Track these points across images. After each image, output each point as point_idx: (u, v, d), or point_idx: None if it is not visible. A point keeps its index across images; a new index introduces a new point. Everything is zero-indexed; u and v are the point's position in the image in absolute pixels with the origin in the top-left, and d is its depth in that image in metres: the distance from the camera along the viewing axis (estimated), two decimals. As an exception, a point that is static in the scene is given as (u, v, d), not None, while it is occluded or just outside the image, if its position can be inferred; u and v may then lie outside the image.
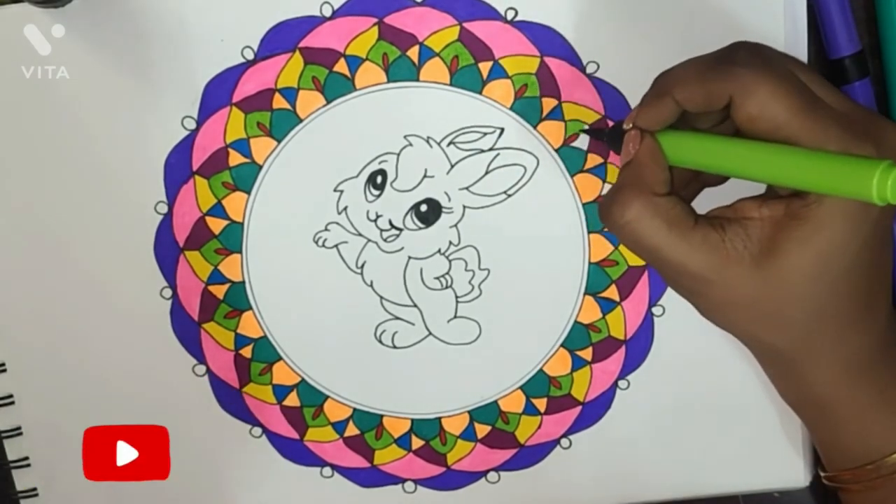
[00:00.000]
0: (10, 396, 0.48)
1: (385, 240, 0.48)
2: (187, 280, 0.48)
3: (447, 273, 0.48)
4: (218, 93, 0.46)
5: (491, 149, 0.47)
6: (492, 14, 0.46)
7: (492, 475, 0.50)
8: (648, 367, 0.49)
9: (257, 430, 0.49)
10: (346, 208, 0.47)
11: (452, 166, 0.47)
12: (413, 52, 0.46)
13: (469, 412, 0.49)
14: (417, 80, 0.46)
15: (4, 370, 0.48)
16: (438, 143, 0.47)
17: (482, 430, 0.49)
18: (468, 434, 0.49)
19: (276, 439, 0.49)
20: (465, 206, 0.47)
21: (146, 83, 0.46)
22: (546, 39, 0.46)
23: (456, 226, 0.48)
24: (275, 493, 0.50)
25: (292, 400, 0.49)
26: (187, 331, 0.48)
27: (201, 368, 0.49)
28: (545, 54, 0.46)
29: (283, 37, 0.46)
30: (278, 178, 0.47)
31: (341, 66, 0.46)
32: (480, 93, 0.46)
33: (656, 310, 0.48)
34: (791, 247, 0.35)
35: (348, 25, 0.46)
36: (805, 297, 0.36)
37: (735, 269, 0.36)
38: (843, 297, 0.37)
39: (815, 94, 0.35)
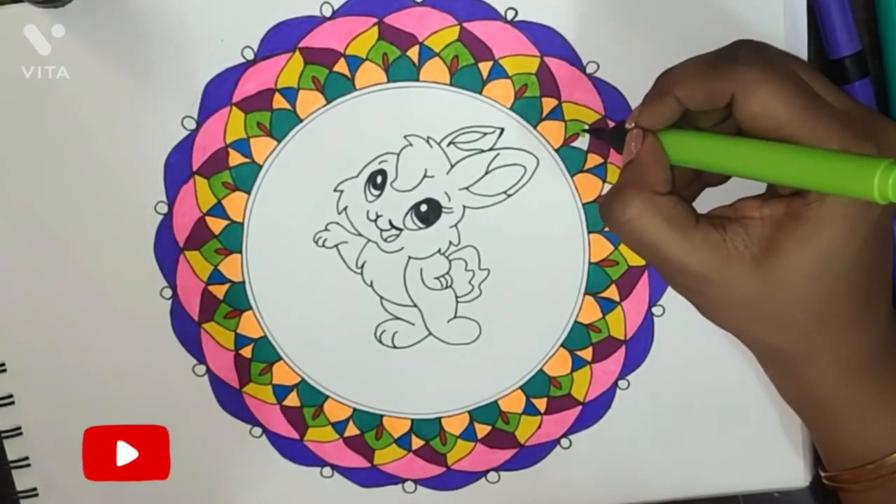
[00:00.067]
0: (10, 396, 0.48)
1: (385, 240, 0.48)
2: (187, 280, 0.48)
3: (447, 273, 0.48)
4: (218, 93, 0.46)
5: (491, 149, 0.47)
6: (492, 14, 0.46)
7: (492, 475, 0.50)
8: (648, 367, 0.49)
9: (257, 430, 0.49)
10: (346, 208, 0.47)
11: (452, 166, 0.47)
12: (413, 52, 0.46)
13: (469, 412, 0.49)
14: (417, 80, 0.46)
15: (4, 370, 0.48)
16: (438, 143, 0.47)
17: (482, 430, 0.49)
18: (468, 434, 0.49)
19: (276, 439, 0.49)
20: (465, 206, 0.47)
21: (146, 83, 0.46)
22: (546, 39, 0.46)
23: (456, 226, 0.48)
24: (275, 493, 0.50)
25: (292, 400, 0.49)
26: (187, 331, 0.48)
27: (201, 368, 0.49)
28: (545, 54, 0.46)
29: (283, 37, 0.46)
30: (278, 178, 0.47)
31: (341, 66, 0.46)
32: (480, 93, 0.46)
33: (656, 310, 0.48)
34: (791, 246, 0.35)
35: (348, 25, 0.46)
36: (805, 296, 0.36)
37: (735, 269, 0.36)
38: (843, 297, 0.37)
39: (817, 93, 0.35)
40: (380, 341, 0.49)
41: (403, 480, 0.50)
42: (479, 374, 0.49)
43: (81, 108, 0.46)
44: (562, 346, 0.49)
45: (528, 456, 0.50)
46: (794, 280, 0.36)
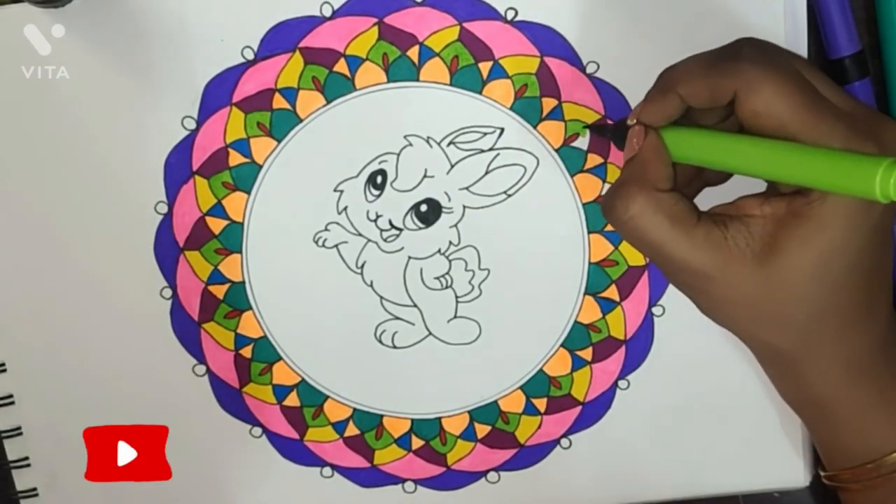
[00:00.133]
0: (10, 396, 0.48)
1: (385, 240, 0.48)
2: (187, 280, 0.48)
3: (447, 273, 0.48)
4: (218, 93, 0.46)
5: (491, 149, 0.47)
6: (492, 14, 0.46)
7: (492, 475, 0.50)
8: (648, 367, 0.49)
9: (257, 430, 0.49)
10: (346, 208, 0.47)
11: (452, 166, 0.47)
12: (413, 52, 0.46)
13: (469, 412, 0.49)
14: (417, 80, 0.46)
15: (4, 370, 0.48)
16: (438, 143, 0.47)
17: (482, 430, 0.49)
18: (468, 434, 0.49)
19: (276, 439, 0.49)
20: (465, 206, 0.47)
21: (146, 83, 0.46)
22: (546, 39, 0.46)
23: (456, 226, 0.48)
24: (275, 493, 0.50)
25: (292, 400, 0.49)
26: (187, 331, 0.48)
27: (201, 368, 0.49)
28: (545, 54, 0.46)
29: (283, 37, 0.46)
30: (278, 178, 0.47)
31: (341, 66, 0.46)
32: (480, 93, 0.46)
33: (656, 310, 0.48)
34: (793, 245, 0.35)
35: (348, 25, 0.46)
36: (806, 296, 0.36)
37: (737, 267, 0.36)
38: (843, 297, 0.37)
39: (819, 92, 0.35)
40: (380, 341, 0.49)
41: (403, 480, 0.50)
42: (479, 374, 0.49)
43: (81, 108, 0.46)
44: (562, 346, 0.49)
45: (528, 456, 0.50)
46: (794, 279, 0.36)
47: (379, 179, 0.47)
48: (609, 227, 0.47)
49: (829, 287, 0.36)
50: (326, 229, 0.48)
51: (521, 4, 0.45)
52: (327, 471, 0.50)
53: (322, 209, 0.47)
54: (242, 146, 0.47)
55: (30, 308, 0.48)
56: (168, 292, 0.48)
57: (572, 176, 0.47)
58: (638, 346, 0.49)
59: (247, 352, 0.49)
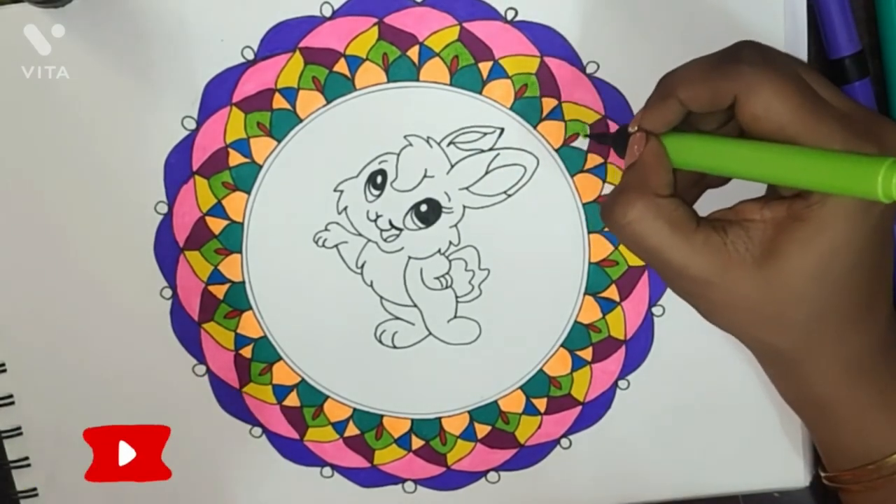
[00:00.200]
0: (10, 396, 0.48)
1: (385, 240, 0.48)
2: (187, 280, 0.48)
3: (447, 273, 0.48)
4: (218, 93, 0.46)
5: (491, 149, 0.47)
6: (492, 14, 0.46)
7: (492, 475, 0.50)
8: (648, 367, 0.49)
9: (257, 430, 0.49)
10: (346, 208, 0.47)
11: (452, 166, 0.47)
12: (413, 52, 0.46)
13: (469, 412, 0.49)
14: (417, 80, 0.46)
15: (4, 370, 0.48)
16: (438, 143, 0.47)
17: (482, 430, 0.49)
18: (468, 434, 0.49)
19: (276, 439, 0.49)
20: (465, 206, 0.47)
21: (146, 83, 0.46)
22: (546, 39, 0.46)
23: (456, 226, 0.48)
24: (275, 493, 0.50)
25: (292, 400, 0.49)
26: (187, 331, 0.48)
27: (201, 368, 0.49)
28: (545, 54, 0.46)
29: (283, 37, 0.46)
30: (278, 178, 0.47)
31: (341, 66, 0.46)
32: (480, 93, 0.46)
33: (656, 310, 0.48)
34: (793, 248, 0.35)
35: (348, 25, 0.46)
36: (806, 297, 0.36)
37: (737, 272, 0.36)
38: (844, 298, 0.37)
39: (819, 95, 0.35)
40: (380, 341, 0.49)
41: (403, 480, 0.50)
42: (479, 374, 0.49)
43: (81, 108, 0.46)
44: (562, 346, 0.49)
45: (528, 456, 0.50)
46: (795, 281, 0.36)
47: (379, 179, 0.47)
48: (609, 227, 0.47)
49: (830, 288, 0.36)
50: (326, 229, 0.48)
51: (521, 4, 0.45)
52: (327, 471, 0.50)
53: (322, 209, 0.47)
54: (242, 146, 0.47)
55: (30, 308, 0.48)
56: (168, 292, 0.48)
57: (572, 176, 0.47)
58: (638, 346, 0.49)
59: (247, 352, 0.49)
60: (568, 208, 0.48)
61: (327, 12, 0.46)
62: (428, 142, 0.47)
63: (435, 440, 0.49)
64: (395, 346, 0.49)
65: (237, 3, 0.45)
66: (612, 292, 0.48)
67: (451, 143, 0.47)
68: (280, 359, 0.49)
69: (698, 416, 0.49)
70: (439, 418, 0.49)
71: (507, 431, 0.49)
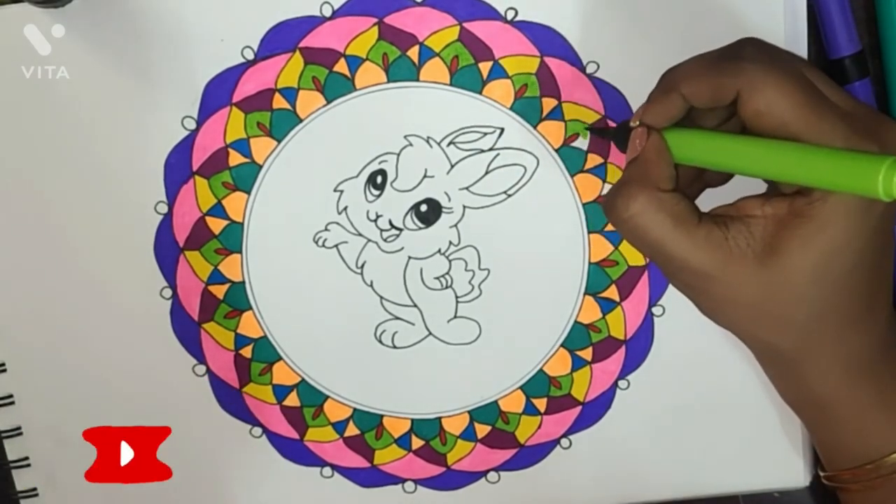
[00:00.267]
0: (10, 396, 0.48)
1: (385, 240, 0.48)
2: (187, 280, 0.48)
3: (447, 273, 0.48)
4: (218, 93, 0.46)
5: (491, 149, 0.47)
6: (492, 14, 0.46)
7: (492, 475, 0.50)
8: (648, 367, 0.49)
9: (257, 430, 0.49)
10: (346, 208, 0.47)
11: (452, 166, 0.47)
12: (413, 52, 0.46)
13: (469, 412, 0.49)
14: (417, 80, 0.46)
15: (4, 370, 0.48)
16: (438, 143, 0.47)
17: (482, 430, 0.49)
18: (468, 434, 0.49)
19: (276, 439, 0.49)
20: (465, 206, 0.47)
21: (146, 83, 0.46)
22: (546, 39, 0.46)
23: (456, 226, 0.48)
24: (275, 493, 0.50)
25: (292, 400, 0.49)
26: (187, 331, 0.48)
27: (201, 368, 0.49)
28: (545, 54, 0.46)
29: (283, 37, 0.46)
30: (278, 178, 0.47)
31: (341, 66, 0.46)
32: (480, 93, 0.46)
33: (656, 310, 0.48)
34: (794, 245, 0.35)
35: (348, 25, 0.46)
36: (807, 296, 0.36)
37: (738, 267, 0.36)
38: (844, 297, 0.37)
39: (822, 92, 0.35)
40: (380, 341, 0.49)
41: (403, 480, 0.50)
42: (479, 374, 0.49)
43: (81, 108, 0.46)
44: (562, 346, 0.49)
45: (528, 456, 0.50)
46: (795, 279, 0.36)
47: (379, 179, 0.47)
48: (609, 227, 0.47)
49: (830, 287, 0.36)
50: (326, 229, 0.48)
51: (521, 4, 0.45)
52: (327, 471, 0.50)
53: (322, 209, 0.47)
54: (242, 146, 0.47)
55: (30, 308, 0.48)
56: (168, 292, 0.48)
57: (572, 176, 0.47)
58: (638, 346, 0.49)
59: (247, 352, 0.49)
60: (568, 208, 0.48)
61: (327, 12, 0.46)
62: (428, 142, 0.47)
63: (435, 440, 0.49)
64: (395, 346, 0.49)
65: (237, 3, 0.45)
66: (612, 292, 0.48)
67: (451, 143, 0.47)
68: (280, 359, 0.49)
69: (698, 416, 0.49)
70: (439, 418, 0.49)
71: (507, 431, 0.49)
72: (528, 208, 0.47)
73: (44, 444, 0.49)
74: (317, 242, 0.48)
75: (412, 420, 0.49)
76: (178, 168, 0.47)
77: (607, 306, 0.48)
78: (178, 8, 0.45)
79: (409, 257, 0.48)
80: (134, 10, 0.45)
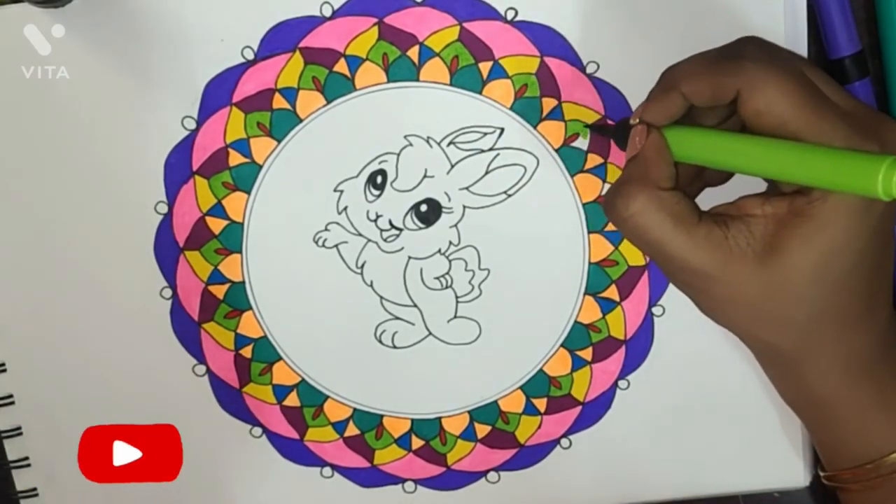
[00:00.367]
0: (10, 396, 0.48)
1: (385, 240, 0.48)
2: (187, 280, 0.48)
3: (447, 273, 0.48)
4: (218, 93, 0.46)
5: (491, 149, 0.47)
6: (492, 14, 0.46)
7: (492, 475, 0.50)
8: (648, 367, 0.49)
9: (257, 430, 0.49)
10: (346, 208, 0.47)
11: (452, 166, 0.47)
12: (413, 52, 0.46)
13: (469, 412, 0.49)
14: (417, 80, 0.46)
15: (4, 370, 0.48)
16: (438, 143, 0.47)
17: (482, 430, 0.49)
18: (468, 434, 0.49)
19: (276, 439, 0.49)
20: (465, 206, 0.47)
21: (146, 83, 0.46)
22: (546, 39, 0.46)
23: (456, 226, 0.48)
24: (275, 493, 0.50)
25: (292, 400, 0.49)
26: (187, 331, 0.48)
27: (201, 368, 0.49)
28: (545, 54, 0.46)
29: (283, 37, 0.46)
30: (278, 178, 0.47)
31: (341, 66, 0.46)
32: (480, 93, 0.46)
33: (656, 310, 0.48)
34: (794, 244, 0.35)
35: (348, 25, 0.46)
36: (806, 296, 0.36)
37: (738, 266, 0.36)
38: (844, 297, 0.37)
39: (822, 92, 0.35)
40: (380, 341, 0.49)
41: (403, 480, 0.50)
42: (479, 374, 0.49)
43: (81, 108, 0.46)
44: (562, 346, 0.49)
45: (528, 456, 0.50)
46: (795, 278, 0.36)
47: (379, 179, 0.47)
48: (609, 227, 0.47)
49: (830, 287, 0.36)
50: (326, 229, 0.48)
51: (521, 4, 0.45)
52: (327, 471, 0.50)
53: (322, 209, 0.47)
54: (242, 146, 0.47)
55: (30, 308, 0.48)
56: (168, 292, 0.48)
57: (572, 176, 0.47)
58: (638, 346, 0.49)
59: (247, 352, 0.49)
60: (568, 208, 0.48)
61: (327, 12, 0.46)
62: (428, 142, 0.47)
63: (435, 440, 0.49)
64: (395, 346, 0.49)
65: (237, 3, 0.45)
66: (612, 292, 0.48)
67: (451, 143, 0.47)
68: (280, 359, 0.49)
69: (698, 416, 0.49)
70: (439, 418, 0.49)
71: (507, 431, 0.49)
72: (528, 208, 0.47)
73: (44, 444, 0.49)
74: (317, 242, 0.48)
75: (412, 420, 0.49)
76: (178, 168, 0.47)
77: (607, 306, 0.48)
78: (178, 8, 0.45)
79: (409, 257, 0.48)
80: (134, 10, 0.45)
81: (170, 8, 0.45)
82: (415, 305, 0.48)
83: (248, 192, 0.47)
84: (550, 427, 0.49)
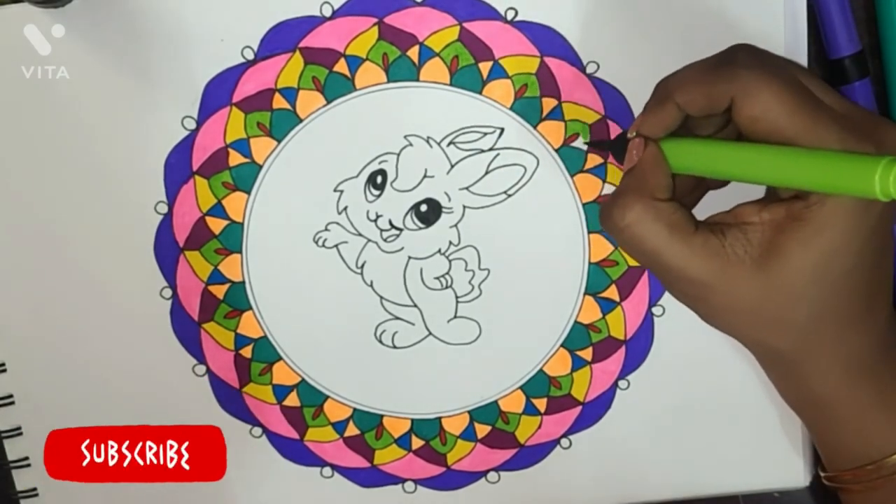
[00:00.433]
0: (10, 396, 0.48)
1: (385, 240, 0.48)
2: (187, 280, 0.48)
3: (447, 273, 0.48)
4: (218, 93, 0.46)
5: (491, 149, 0.47)
6: (492, 14, 0.46)
7: (492, 475, 0.50)
8: (648, 367, 0.49)
9: (257, 430, 0.49)
10: (346, 208, 0.47)
11: (452, 166, 0.47)
12: (413, 52, 0.46)
13: (469, 412, 0.49)
14: (417, 80, 0.46)
15: (4, 370, 0.48)
16: (438, 143, 0.47)
17: (482, 430, 0.49)
18: (468, 434, 0.49)
19: (276, 439, 0.49)
20: (465, 206, 0.47)
21: (146, 83, 0.46)
22: (546, 39, 0.46)
23: (456, 226, 0.48)
24: (275, 493, 0.50)
25: (292, 400, 0.49)
26: (187, 331, 0.48)
27: (201, 368, 0.49)
28: (545, 54, 0.46)
29: (283, 37, 0.46)
30: (278, 178, 0.47)
31: (341, 66, 0.46)
32: (480, 93, 0.46)
33: (656, 310, 0.48)
34: (792, 249, 0.35)
35: (348, 25, 0.46)
36: (806, 298, 0.36)
37: (735, 274, 0.36)
38: (843, 298, 0.37)
39: (816, 96, 0.35)
40: (380, 341, 0.49)
41: (403, 480, 0.50)
42: (479, 374, 0.49)
43: (81, 108, 0.46)
44: (562, 346, 0.49)
45: (528, 456, 0.50)
46: (795, 282, 0.36)
47: (379, 179, 0.47)
48: (609, 228, 0.48)
49: (829, 289, 0.36)
50: (326, 229, 0.48)
51: (521, 4, 0.45)
52: (327, 471, 0.50)
53: (322, 209, 0.47)
54: (242, 146, 0.47)
55: (30, 308, 0.48)
56: (168, 292, 0.48)
57: (572, 176, 0.47)
58: (638, 346, 0.49)
59: (247, 352, 0.49)
60: (568, 208, 0.48)
61: (327, 12, 0.46)
62: (428, 142, 0.47)
63: (435, 440, 0.49)
64: (395, 346, 0.49)
65: (237, 3, 0.45)
66: (612, 292, 0.48)
67: (451, 143, 0.47)
68: (280, 359, 0.49)
69: (698, 416, 0.49)
70: (439, 418, 0.49)
71: (507, 431, 0.49)
72: (528, 208, 0.47)
73: (44, 443, 0.49)
74: (317, 242, 0.48)
75: (412, 420, 0.49)
76: (178, 168, 0.47)
77: (607, 306, 0.48)
78: (178, 8, 0.45)
79: (409, 257, 0.48)
80: (134, 10, 0.45)
81: (170, 8, 0.45)
82: (415, 305, 0.48)
83: (248, 192, 0.47)
84: (550, 427, 0.49)
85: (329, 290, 0.48)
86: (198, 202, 0.47)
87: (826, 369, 0.39)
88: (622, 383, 0.49)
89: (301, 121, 0.46)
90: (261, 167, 0.47)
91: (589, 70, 0.46)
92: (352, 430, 0.49)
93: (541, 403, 0.49)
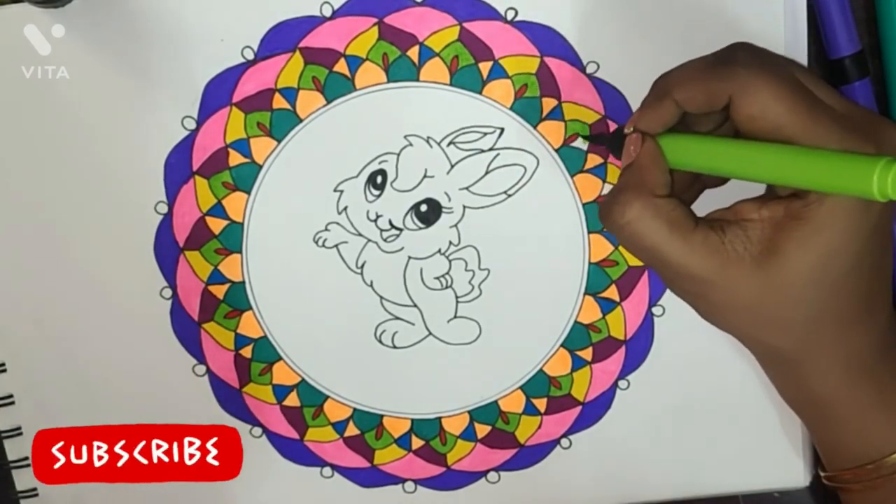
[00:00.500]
0: (10, 396, 0.48)
1: (385, 240, 0.48)
2: (187, 280, 0.48)
3: (447, 273, 0.48)
4: (218, 93, 0.46)
5: (491, 149, 0.47)
6: (492, 14, 0.46)
7: (492, 475, 0.50)
8: (648, 367, 0.49)
9: (257, 430, 0.49)
10: (346, 208, 0.47)
11: (452, 166, 0.47)
12: (413, 52, 0.46)
13: (469, 412, 0.49)
14: (417, 80, 0.46)
15: (4, 370, 0.48)
16: (438, 143, 0.47)
17: (482, 430, 0.49)
18: (468, 434, 0.49)
19: (276, 439, 0.49)
20: (465, 206, 0.47)
21: (146, 83, 0.46)
22: (546, 39, 0.46)
23: (456, 226, 0.48)
24: (275, 493, 0.50)
25: (292, 400, 0.49)
26: (187, 331, 0.48)
27: (201, 368, 0.49)
28: (545, 54, 0.46)
29: (283, 37, 0.46)
30: (278, 178, 0.47)
31: (341, 66, 0.46)
32: (480, 93, 0.46)
33: (656, 310, 0.48)
34: (791, 247, 0.35)
35: (348, 25, 0.46)
36: (805, 298, 0.36)
37: (735, 271, 0.36)
38: (843, 298, 0.37)
39: (815, 95, 0.35)
40: (380, 341, 0.49)
41: (403, 480, 0.50)
42: (479, 374, 0.49)
43: (81, 108, 0.46)
44: (562, 346, 0.49)
45: (528, 456, 0.50)
46: (794, 281, 0.36)
47: (379, 179, 0.47)
48: (609, 228, 0.48)
49: (829, 288, 0.36)
50: (326, 229, 0.48)
51: (521, 4, 0.45)
52: (327, 471, 0.50)
53: (322, 209, 0.47)
54: (242, 146, 0.47)
55: (30, 308, 0.48)
56: (168, 292, 0.48)
57: (572, 176, 0.47)
58: (638, 346, 0.49)
59: (247, 352, 0.49)
60: (568, 208, 0.48)
61: (327, 12, 0.46)
62: (428, 142, 0.47)
63: (435, 440, 0.49)
64: (395, 346, 0.49)
65: (237, 3, 0.45)
66: (612, 292, 0.48)
67: (451, 143, 0.47)
68: (280, 359, 0.49)
69: (698, 416, 0.49)
70: (439, 418, 0.49)
71: (507, 431, 0.49)
72: (528, 208, 0.47)
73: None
74: (317, 242, 0.48)
75: (412, 420, 0.49)
76: (178, 168, 0.47)
77: (607, 306, 0.48)
78: (178, 8, 0.45)
79: (409, 257, 0.48)
80: (134, 10, 0.45)
81: (170, 8, 0.45)
82: (415, 305, 0.48)
83: (248, 192, 0.47)
84: (550, 427, 0.49)
85: (329, 290, 0.48)
86: (198, 202, 0.47)
87: (826, 369, 0.39)
88: (622, 383, 0.49)
89: (301, 121, 0.46)
90: (261, 167, 0.47)
91: (589, 70, 0.46)
92: (352, 430, 0.49)
93: (541, 403, 0.49)
